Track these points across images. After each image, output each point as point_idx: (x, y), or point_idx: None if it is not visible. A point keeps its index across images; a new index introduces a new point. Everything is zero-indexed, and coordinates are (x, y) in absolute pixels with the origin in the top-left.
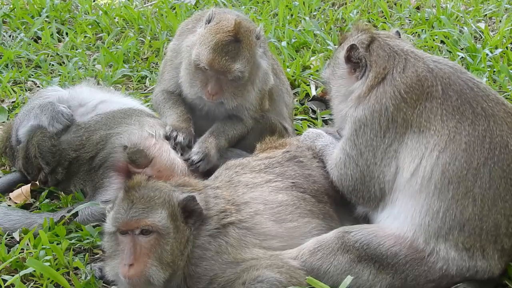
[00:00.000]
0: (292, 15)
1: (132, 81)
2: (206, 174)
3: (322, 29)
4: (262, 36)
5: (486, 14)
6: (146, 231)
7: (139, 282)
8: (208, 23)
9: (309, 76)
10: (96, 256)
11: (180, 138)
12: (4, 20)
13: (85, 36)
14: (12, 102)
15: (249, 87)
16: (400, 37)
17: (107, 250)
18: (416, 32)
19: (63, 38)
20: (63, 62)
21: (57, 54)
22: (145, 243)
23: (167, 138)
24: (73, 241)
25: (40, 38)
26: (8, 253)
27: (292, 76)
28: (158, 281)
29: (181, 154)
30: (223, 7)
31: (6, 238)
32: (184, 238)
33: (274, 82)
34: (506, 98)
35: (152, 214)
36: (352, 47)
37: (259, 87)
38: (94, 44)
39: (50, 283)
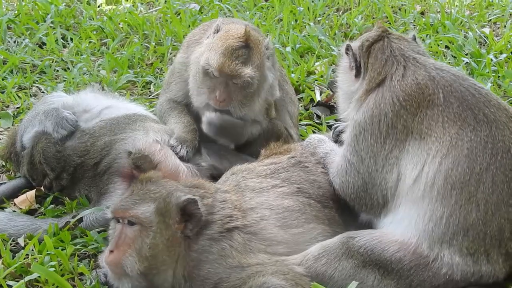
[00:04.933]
0: (296, 21)
1: (136, 86)
2: (213, 178)
3: (327, 34)
4: (271, 48)
5: (490, 19)
6: (131, 221)
7: (116, 269)
8: (217, 32)
9: (314, 82)
10: None
11: (183, 151)
12: (9, 26)
13: (89, 42)
14: (17, 107)
15: (255, 97)
16: (415, 40)
17: (109, 239)
18: (420, 37)
19: (68, 43)
20: (68, 68)
21: (62, 59)
22: (129, 233)
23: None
24: (78, 246)
25: (45, 44)
26: (13, 258)
27: (297, 82)
28: (131, 272)
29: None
30: (228, 13)
31: (11, 244)
32: (173, 238)
33: (279, 94)
34: (511, 104)
35: (139, 207)
36: (347, 48)
37: (264, 98)
38: (99, 50)
39: None
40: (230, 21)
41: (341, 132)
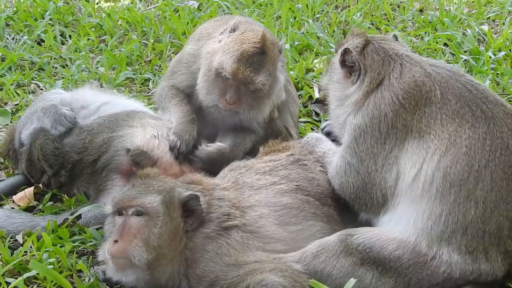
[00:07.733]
0: (295, 18)
1: (135, 83)
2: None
3: (325, 31)
4: (283, 51)
5: (489, 17)
6: (138, 212)
7: (121, 260)
8: (233, 32)
9: (312, 79)
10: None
11: (183, 146)
12: (8, 22)
13: (88, 39)
14: (16, 104)
15: (265, 100)
16: (397, 40)
17: (106, 234)
18: (419, 35)
19: (67, 40)
20: (66, 65)
21: (61, 56)
22: (135, 223)
23: (171, 148)
24: (76, 243)
25: (43, 41)
26: (11, 255)
27: (296, 79)
28: (139, 261)
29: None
30: (227, 10)
31: (9, 241)
32: (176, 231)
33: (285, 97)
34: (509, 101)
35: (146, 196)
36: (346, 51)
37: (274, 101)
38: (97, 47)
39: (54, 286)
40: (246, 21)
41: (329, 133)
